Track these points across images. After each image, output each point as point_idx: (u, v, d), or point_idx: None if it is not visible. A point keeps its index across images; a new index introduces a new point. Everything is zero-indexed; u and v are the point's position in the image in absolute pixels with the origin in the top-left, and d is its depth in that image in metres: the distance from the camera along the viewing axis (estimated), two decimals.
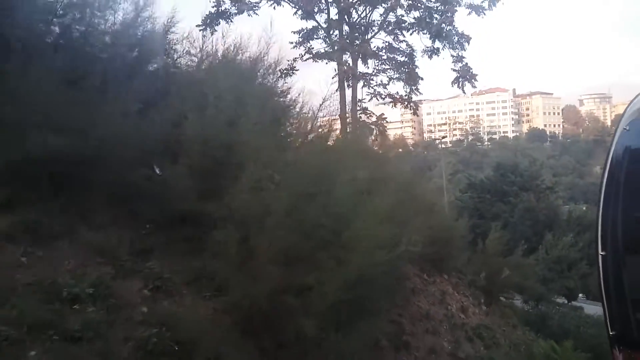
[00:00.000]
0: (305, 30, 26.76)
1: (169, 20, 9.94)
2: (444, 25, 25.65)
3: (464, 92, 30.78)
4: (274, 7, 25.91)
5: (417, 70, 27.45)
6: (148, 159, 7.84)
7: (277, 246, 6.23)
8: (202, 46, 10.40)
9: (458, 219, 17.69)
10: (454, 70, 26.74)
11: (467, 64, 26.59)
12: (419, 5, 26.17)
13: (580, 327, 17.53)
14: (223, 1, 25.73)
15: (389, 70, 27.53)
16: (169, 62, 10.27)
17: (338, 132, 13.60)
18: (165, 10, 9.96)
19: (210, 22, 25.24)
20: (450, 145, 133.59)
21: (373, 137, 21.19)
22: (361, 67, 26.90)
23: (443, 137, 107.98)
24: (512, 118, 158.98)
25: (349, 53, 26.34)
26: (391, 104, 27.95)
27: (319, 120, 12.18)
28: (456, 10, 25.66)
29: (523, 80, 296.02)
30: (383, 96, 27.22)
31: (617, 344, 3.62)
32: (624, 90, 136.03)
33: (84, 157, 6.61)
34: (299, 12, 26.19)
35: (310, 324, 5.84)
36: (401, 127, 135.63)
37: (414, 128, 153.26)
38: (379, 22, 27.13)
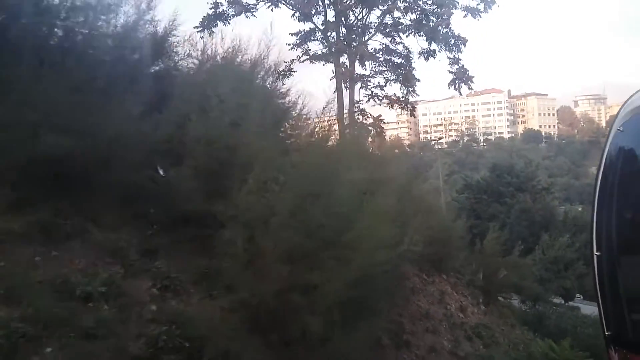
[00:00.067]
0: (302, 32, 26.91)
1: (171, 23, 10.07)
2: (440, 27, 25.83)
3: (460, 94, 31.02)
4: (272, 9, 26.10)
5: (413, 72, 27.63)
6: (152, 160, 7.97)
7: (282, 246, 6.36)
8: (204, 48, 10.53)
9: (456, 220, 17.84)
10: (451, 72, 26.99)
11: (463, 66, 26.86)
12: (415, 7, 26.33)
13: (578, 327, 17.64)
14: (221, 3, 25.88)
15: (386, 72, 27.72)
16: (171, 65, 10.39)
17: (337, 133, 13.70)
18: (166, 13, 10.08)
19: (208, 23, 25.39)
20: (446, 146, 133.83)
21: (371, 139, 21.30)
22: (358, 69, 27.08)
23: (440, 138, 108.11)
24: (508, 119, 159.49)
25: (346, 55, 26.46)
26: (388, 105, 28.11)
27: (318, 122, 12.37)
28: (452, 13, 25.89)
29: (518, 81, 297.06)
30: (380, 98, 27.41)
31: (612, 344, 3.62)
32: (619, 92, 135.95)
33: (91, 159, 6.76)
34: (297, 14, 26.32)
35: (316, 321, 5.98)
36: (397, 128, 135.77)
37: (410, 129, 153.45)
38: (375, 24, 27.32)
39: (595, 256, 3.70)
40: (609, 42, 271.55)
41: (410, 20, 26.79)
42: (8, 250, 5.60)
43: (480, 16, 25.97)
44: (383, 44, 27.77)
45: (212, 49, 10.42)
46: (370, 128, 25.67)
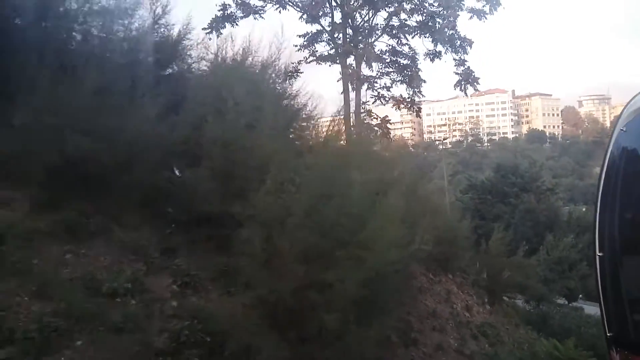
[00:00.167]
0: (310, 34, 27.06)
1: (185, 27, 10.29)
2: (446, 29, 25.92)
3: (466, 95, 31.06)
4: (279, 11, 26.27)
5: (419, 73, 27.75)
6: (169, 161, 8.20)
7: (298, 245, 6.59)
8: (217, 51, 10.72)
9: (461, 220, 18.01)
10: (457, 73, 26.97)
11: (469, 67, 26.84)
12: (421, 9, 26.45)
13: (582, 327, 17.72)
14: (229, 5, 26.04)
15: (392, 73, 27.79)
16: (184, 67, 10.60)
17: (346, 134, 13.90)
18: (179, 16, 10.29)
19: (216, 25, 25.58)
20: (449, 146, 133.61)
21: (378, 139, 21.41)
22: (365, 70, 27.19)
23: (445, 139, 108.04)
24: (512, 119, 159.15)
25: (353, 56, 26.58)
26: (394, 106, 28.22)
27: (327, 123, 12.58)
28: (458, 15, 25.92)
29: (522, 81, 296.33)
30: (387, 99, 27.50)
31: (614, 345, 3.58)
32: (623, 92, 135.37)
33: (112, 161, 6.99)
34: (304, 16, 26.46)
35: (332, 318, 6.19)
36: (401, 128, 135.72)
37: (414, 129, 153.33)
38: (382, 26, 27.42)
39: (597, 257, 3.69)
40: (613, 42, 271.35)
41: (417, 21, 26.86)
42: (36, 248, 5.85)
43: (485, 18, 26.02)
44: (389, 45, 27.90)
45: (223, 51, 10.62)
46: (376, 129, 25.76)
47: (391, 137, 29.79)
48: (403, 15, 26.72)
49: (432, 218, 12.37)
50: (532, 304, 21.29)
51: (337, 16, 26.94)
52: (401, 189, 10.06)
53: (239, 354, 5.76)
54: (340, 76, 26.66)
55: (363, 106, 26.93)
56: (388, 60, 27.71)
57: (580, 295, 29.72)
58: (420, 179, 16.73)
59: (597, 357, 12.64)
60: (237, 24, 26.08)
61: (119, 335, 5.25)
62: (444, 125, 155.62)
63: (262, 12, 26.18)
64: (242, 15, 26.08)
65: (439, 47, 27.01)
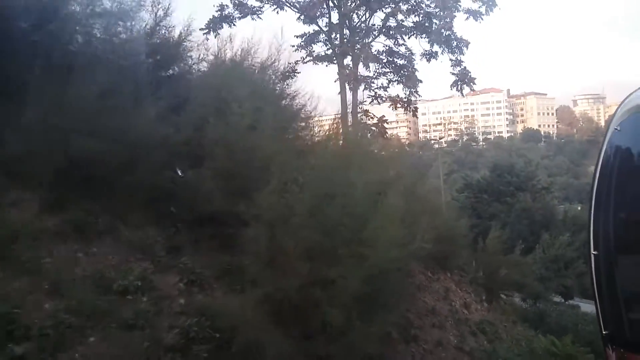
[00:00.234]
0: (307, 35, 27.19)
1: (186, 29, 10.40)
2: (443, 30, 26.08)
3: (462, 95, 31.24)
4: (277, 12, 26.41)
5: (416, 73, 27.91)
6: (171, 162, 8.31)
7: (302, 243, 6.74)
8: (217, 53, 10.84)
9: (459, 219, 18.14)
10: (453, 74, 27.19)
11: (465, 67, 27.05)
12: (418, 10, 26.61)
13: (578, 324, 17.86)
14: (226, 5, 26.16)
15: (389, 74, 27.94)
16: (185, 69, 10.71)
17: (344, 134, 14.05)
18: (179, 18, 10.38)
19: (213, 26, 25.70)
20: (445, 145, 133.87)
21: (376, 139, 21.56)
22: (362, 70, 27.33)
23: (441, 138, 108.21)
24: (507, 118, 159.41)
25: (350, 56, 26.72)
26: (391, 106, 28.37)
27: (325, 123, 12.73)
28: (455, 16, 26.09)
29: (517, 80, 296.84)
30: (383, 99, 27.66)
31: (610, 343, 3.57)
32: (618, 91, 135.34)
33: (116, 162, 7.11)
34: (302, 16, 26.57)
35: (336, 314, 6.34)
36: (396, 127, 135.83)
37: (409, 128, 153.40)
38: (379, 27, 27.57)
39: (592, 255, 3.68)
40: (608, 41, 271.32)
41: (413, 22, 27.09)
42: (46, 247, 5.97)
43: (482, 19, 26.29)
44: (386, 45, 28.11)
45: (223, 52, 10.72)
46: (373, 129, 25.89)
47: (388, 136, 29.92)
48: (400, 16, 26.92)
49: (430, 217, 12.49)
50: (529, 302, 21.43)
51: (335, 17, 27.20)
52: (400, 189, 10.20)
53: (246, 349, 5.89)
54: (338, 76, 26.81)
55: (360, 106, 27.06)
56: (385, 61, 27.88)
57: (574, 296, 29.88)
58: (419, 179, 16.87)
59: (594, 353, 12.79)
60: (234, 25, 26.25)
61: (130, 331, 5.39)
62: (439, 124, 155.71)
63: (259, 12, 26.35)
64: (239, 15, 26.22)
65: (436, 48, 27.26)
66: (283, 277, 6.44)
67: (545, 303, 21.72)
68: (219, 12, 26.02)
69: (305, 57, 27.20)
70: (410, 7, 26.64)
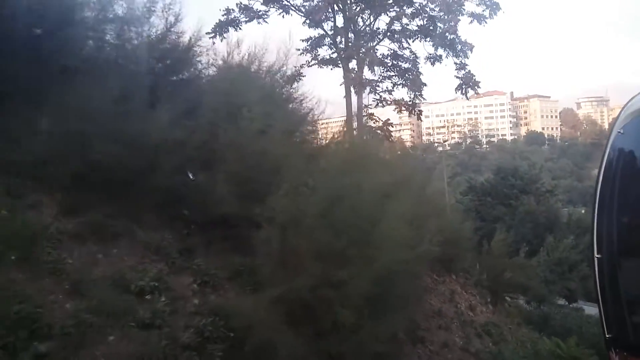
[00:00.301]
0: (313, 39, 27.33)
1: (196, 34, 10.56)
2: (447, 34, 26.22)
3: (466, 98, 31.34)
4: (283, 16, 26.58)
5: (420, 76, 28.03)
6: (184, 165, 8.47)
7: (313, 245, 6.89)
8: (227, 58, 10.99)
9: (464, 222, 18.27)
10: (457, 77, 27.29)
11: (470, 71, 27.17)
12: (423, 14, 26.75)
13: (582, 326, 17.95)
14: (232, 10, 26.34)
15: (393, 77, 28.07)
16: (195, 74, 10.87)
17: (351, 138, 14.21)
18: (188, 23, 10.53)
19: (220, 30, 25.87)
20: (448, 148, 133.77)
21: (381, 142, 21.68)
22: (367, 74, 27.47)
23: (445, 141, 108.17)
24: (510, 121, 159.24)
25: (355, 60, 26.86)
26: (396, 109, 28.49)
27: (332, 126, 12.88)
28: (459, 20, 26.22)
29: (521, 83, 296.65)
30: (388, 102, 27.78)
31: (613, 347, 3.58)
32: (621, 93, 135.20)
33: (131, 166, 7.26)
34: (307, 20, 26.72)
35: (347, 313, 6.49)
36: (400, 130, 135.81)
37: (413, 131, 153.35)
38: (383, 30, 27.71)
39: (596, 259, 3.69)
40: (612, 43, 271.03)
41: (418, 26, 27.23)
42: (66, 249, 6.14)
43: (486, 22, 26.43)
44: (391, 49, 28.22)
45: (231, 56, 10.88)
46: (378, 132, 26.01)
47: (393, 139, 30.03)
48: (404, 20, 27.07)
49: (437, 220, 12.64)
50: (534, 305, 21.52)
51: (340, 21, 27.35)
52: (408, 191, 10.33)
53: (259, 348, 6.04)
54: (343, 80, 26.97)
55: (365, 109, 27.20)
56: (389, 64, 27.99)
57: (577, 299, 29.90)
58: (425, 181, 16.99)
59: (598, 355, 12.88)
60: (240, 29, 26.40)
61: (148, 330, 5.55)
62: (443, 127, 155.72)
63: (265, 16, 26.51)
64: (245, 19, 26.39)
65: (440, 51, 27.37)
66: (295, 278, 6.59)
67: (549, 306, 21.84)
68: (225, 16, 26.20)
69: (311, 61, 27.39)
70: (414, 10, 26.77)
